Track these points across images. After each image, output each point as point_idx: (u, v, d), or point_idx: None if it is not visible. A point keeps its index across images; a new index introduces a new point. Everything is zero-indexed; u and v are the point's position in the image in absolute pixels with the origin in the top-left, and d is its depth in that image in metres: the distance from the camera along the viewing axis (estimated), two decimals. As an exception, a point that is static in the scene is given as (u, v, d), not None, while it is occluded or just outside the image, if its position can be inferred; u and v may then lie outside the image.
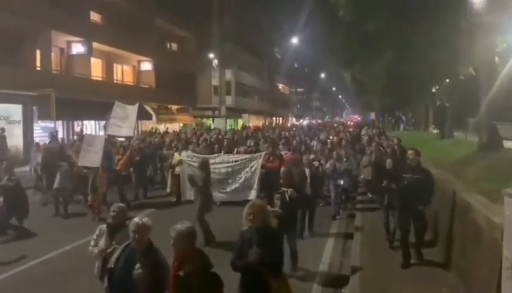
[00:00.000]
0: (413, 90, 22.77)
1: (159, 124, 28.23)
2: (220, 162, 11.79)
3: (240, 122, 46.49)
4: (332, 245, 8.37)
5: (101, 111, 22.62)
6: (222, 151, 12.94)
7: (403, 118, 32.81)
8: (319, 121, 74.77)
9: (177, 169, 12.22)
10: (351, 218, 10.29)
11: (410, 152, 6.86)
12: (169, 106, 32.53)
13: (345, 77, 38.31)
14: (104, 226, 4.71)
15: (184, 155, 12.20)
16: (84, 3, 21.84)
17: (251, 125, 41.44)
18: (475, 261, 5.20)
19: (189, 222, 3.68)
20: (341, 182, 10.49)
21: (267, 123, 47.71)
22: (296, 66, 78.71)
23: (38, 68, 19.39)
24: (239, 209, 9.75)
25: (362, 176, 12.44)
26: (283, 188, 6.63)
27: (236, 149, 13.39)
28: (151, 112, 28.63)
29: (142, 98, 27.65)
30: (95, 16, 23.90)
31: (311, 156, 10.64)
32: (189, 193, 11.05)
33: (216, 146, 14.51)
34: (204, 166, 9.11)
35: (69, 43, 21.78)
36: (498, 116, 9.09)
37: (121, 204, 5.02)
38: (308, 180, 8.84)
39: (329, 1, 16.20)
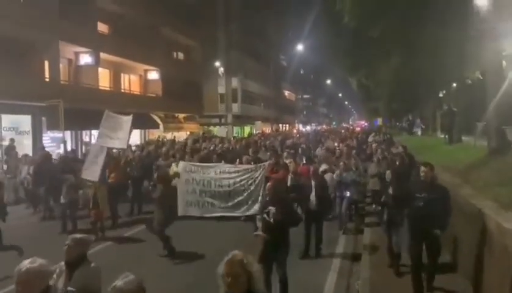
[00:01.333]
0: (420, 95, 22.72)
1: (166, 132, 28.36)
2: (221, 173, 10.86)
3: (246, 129, 46.57)
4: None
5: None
6: (223, 161, 12.35)
7: (419, 122, 31.06)
8: (325, 127, 74.66)
9: (173, 181, 11.15)
10: (360, 233, 9.71)
11: (423, 169, 5.92)
12: (176, 114, 32.70)
13: (351, 82, 38.30)
14: (63, 263, 3.78)
15: (182, 166, 11.21)
16: (92, 15, 22.10)
17: (258, 132, 41.38)
18: (485, 267, 5.14)
19: (132, 275, 2.66)
20: (348, 193, 9.86)
21: (274, 130, 47.70)
22: (301, 72, 78.81)
23: (47, 79, 19.61)
24: (242, 225, 9.82)
25: (369, 187, 11.66)
26: (269, 207, 5.73)
27: (238, 160, 12.69)
28: (158, 120, 28.79)
29: (149, 107, 27.95)
30: (102, 27, 24.16)
31: (323, 167, 10.09)
32: (185, 209, 10.64)
33: (215, 156, 13.82)
34: (163, 179, 8.98)
35: (77, 54, 22.02)
36: (506, 121, 9.02)
37: (78, 236, 3.94)
38: (313, 192, 8.20)
39: (334, 7, 16.26)
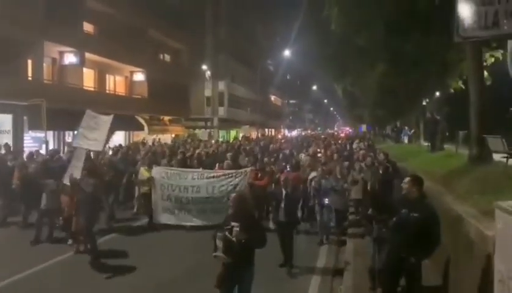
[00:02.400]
0: (404, 103, 23.04)
1: (151, 134, 28.11)
2: (198, 178, 10.21)
3: (232, 133, 46.50)
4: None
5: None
6: (200, 167, 11.71)
7: (407, 130, 30.43)
8: (309, 132, 75.08)
9: (145, 188, 10.59)
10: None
11: (406, 180, 5.20)
12: (161, 117, 32.46)
13: (337, 89, 38.65)
14: None
15: (156, 171, 10.46)
16: (77, 14, 21.81)
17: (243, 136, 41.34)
18: (467, 274, 5.21)
19: None
20: (326, 201, 9.16)
21: (259, 134, 47.74)
22: (288, 78, 79.20)
23: (30, 78, 19.27)
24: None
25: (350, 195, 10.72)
26: (232, 223, 4.83)
27: (217, 165, 12.00)
28: (143, 122, 28.53)
29: (134, 109, 27.69)
30: (88, 27, 23.88)
31: (313, 174, 9.76)
32: (160, 216, 10.13)
33: (195, 161, 13.21)
34: (94, 173, 8.41)
35: (61, 53, 21.70)
36: (487, 129, 9.20)
37: None
38: (283, 203, 7.60)
39: (322, 14, 16.43)
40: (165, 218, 10.15)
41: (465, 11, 4.97)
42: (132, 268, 7.62)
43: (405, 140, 28.89)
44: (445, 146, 16.54)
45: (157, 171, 10.46)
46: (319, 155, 15.03)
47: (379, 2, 12.40)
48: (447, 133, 17.98)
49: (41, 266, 7.64)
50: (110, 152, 15.88)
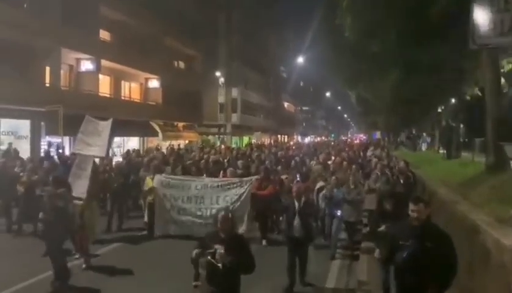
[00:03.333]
0: (419, 110, 22.84)
1: (165, 141, 28.36)
2: (202, 187, 9.78)
3: (245, 140, 46.59)
4: None
5: (107, 127, 22.89)
6: (205, 174, 11.18)
7: (425, 136, 28.95)
8: (321, 139, 74.63)
9: (150, 197, 10.15)
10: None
11: (414, 207, 4.18)
12: (175, 123, 32.73)
13: (350, 96, 38.45)
14: None
15: (158, 180, 10.00)
16: (94, 22, 22.25)
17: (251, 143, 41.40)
18: (483, 284, 5.12)
19: None
20: (339, 212, 8.64)
21: (272, 141, 47.75)
22: (301, 84, 79.20)
23: (47, 84, 19.67)
24: None
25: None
26: (216, 246, 4.15)
27: (222, 172, 11.46)
28: (157, 128, 28.82)
29: (148, 115, 28.01)
30: (104, 34, 24.32)
31: (320, 184, 9.25)
32: (163, 228, 9.71)
33: (194, 168, 12.58)
34: (61, 183, 7.57)
35: (78, 60, 22.13)
36: (504, 137, 9.05)
37: None
38: (297, 217, 6.85)
39: (335, 21, 16.44)
40: (168, 230, 9.73)
41: (481, 18, 4.93)
42: (130, 283, 7.24)
43: (423, 148, 27.69)
44: (462, 153, 16.32)
45: (159, 180, 9.99)
46: (329, 162, 14.24)
47: (392, 9, 12.35)
48: (466, 140, 17.73)
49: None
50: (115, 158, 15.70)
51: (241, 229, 8.97)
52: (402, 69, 15.92)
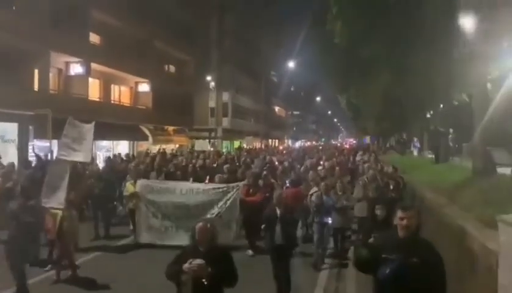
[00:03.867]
0: (408, 115, 23.03)
1: (155, 145, 28.21)
2: (187, 193, 9.37)
3: (236, 144, 46.56)
4: None
5: (97, 131, 22.67)
6: (191, 180, 10.62)
7: (416, 142, 28.13)
8: (311, 143, 74.82)
9: (131, 203, 9.78)
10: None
11: (402, 214, 3.63)
12: (165, 127, 32.61)
13: (340, 101, 38.73)
14: None
15: (141, 185, 9.57)
16: (84, 25, 22.11)
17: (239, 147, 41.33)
18: (470, 288, 5.16)
19: None
20: (329, 220, 8.34)
21: (263, 145, 47.78)
22: (292, 89, 79.52)
23: (36, 88, 19.46)
24: None
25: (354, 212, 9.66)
26: (196, 261, 3.78)
27: (208, 178, 11.01)
28: (148, 132, 28.67)
29: (138, 119, 27.86)
30: (94, 38, 24.17)
31: (313, 190, 8.81)
32: (146, 235, 9.33)
33: (179, 172, 12.25)
34: (29, 191, 6.82)
35: (67, 64, 21.95)
36: (491, 142, 9.18)
37: None
38: (279, 224, 6.56)
39: (325, 26, 16.56)
40: (151, 238, 9.31)
41: (468, 27, 5.01)
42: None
43: (415, 152, 26.92)
44: (452, 158, 16.49)
45: (142, 185, 9.55)
46: (319, 168, 13.73)
47: (382, 15, 12.49)
48: (457, 146, 17.91)
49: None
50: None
51: (229, 236, 8.77)
52: (392, 74, 16.07)
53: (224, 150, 33.71)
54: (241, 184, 9.56)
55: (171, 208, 9.29)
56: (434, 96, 16.19)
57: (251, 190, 9.45)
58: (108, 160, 15.80)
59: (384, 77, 17.41)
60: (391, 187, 9.55)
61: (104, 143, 25.76)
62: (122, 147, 26.13)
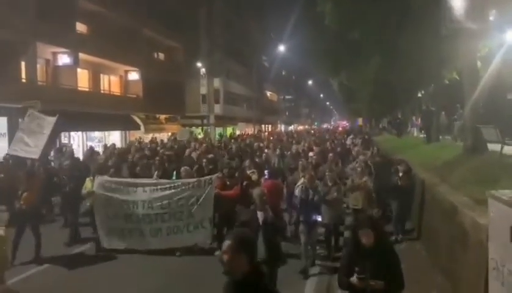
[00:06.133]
0: (400, 95, 23.12)
1: (147, 134, 28.09)
2: (152, 190, 8.23)
3: (229, 130, 46.50)
4: None
5: (88, 122, 22.55)
6: (156, 174, 9.38)
7: (414, 120, 26.31)
8: (304, 127, 74.71)
9: (88, 203, 8.79)
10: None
11: (361, 233, 3.83)
12: (157, 116, 32.41)
13: (332, 84, 38.70)
14: None
15: (98, 183, 8.36)
16: (70, 14, 21.70)
17: (240, 133, 41.25)
18: (462, 263, 5.26)
19: None
20: (318, 217, 7.20)
21: (255, 131, 47.78)
22: (283, 73, 79.19)
23: (24, 80, 19.18)
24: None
25: (345, 203, 8.66)
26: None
27: (174, 172, 9.79)
28: (139, 122, 28.49)
29: (129, 108, 27.63)
30: (81, 27, 23.76)
31: (301, 181, 7.59)
32: (106, 239, 8.20)
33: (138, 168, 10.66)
34: None
35: (55, 54, 21.59)
36: (482, 120, 9.26)
37: None
38: (261, 232, 5.37)
39: (316, 9, 16.44)
40: (113, 242, 8.21)
41: (454, 4, 5.00)
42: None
43: (415, 132, 24.78)
44: (444, 137, 16.60)
45: (99, 183, 8.35)
46: (310, 154, 12.41)
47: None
48: (449, 125, 17.96)
49: None
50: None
51: (205, 237, 8.05)
52: (383, 55, 16.05)
53: (217, 137, 33.57)
54: (214, 176, 8.32)
55: (133, 208, 8.16)
56: (424, 76, 16.25)
57: (228, 183, 8.40)
58: (72, 154, 13.84)
59: (374, 59, 17.40)
60: (400, 174, 8.47)
61: (96, 133, 25.58)
62: (114, 137, 25.97)
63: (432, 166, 9.64)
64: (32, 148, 8.05)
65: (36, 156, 8.55)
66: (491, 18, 4.74)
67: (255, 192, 5.56)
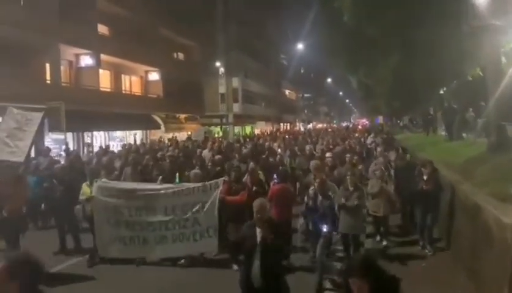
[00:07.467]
0: (420, 92, 22.69)
1: (167, 133, 28.46)
2: (155, 195, 7.66)
3: (248, 129, 46.61)
4: None
5: (110, 122, 23.01)
6: (160, 178, 8.59)
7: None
8: (322, 125, 74.10)
9: (88, 209, 8.18)
10: None
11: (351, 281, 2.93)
12: (177, 115, 32.78)
13: (351, 81, 38.29)
14: None
15: (97, 188, 7.77)
16: (92, 17, 22.17)
17: (259, 132, 41.31)
18: (486, 262, 5.18)
19: None
20: (324, 227, 6.37)
21: (274, 129, 47.74)
22: (302, 71, 78.84)
23: (48, 81, 19.71)
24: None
25: (365, 209, 8.01)
26: None
27: (177, 175, 9.16)
28: (160, 121, 28.90)
29: (150, 108, 28.06)
30: (102, 29, 24.24)
31: (311, 189, 6.74)
32: (106, 247, 7.66)
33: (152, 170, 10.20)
34: None
35: (77, 56, 22.11)
36: (506, 117, 9.05)
37: None
38: (258, 255, 4.37)
39: (333, 5, 16.32)
40: (114, 250, 7.62)
41: (476, 0, 4.92)
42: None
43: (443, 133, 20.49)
44: (467, 135, 16.22)
45: (99, 188, 7.76)
46: (327, 155, 11.27)
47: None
48: (474, 122, 17.45)
49: None
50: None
51: (211, 246, 7.45)
52: (402, 51, 15.81)
53: (234, 136, 33.69)
54: (220, 180, 7.67)
55: (135, 215, 7.59)
56: (446, 72, 15.93)
57: (233, 188, 7.68)
58: (67, 156, 13.30)
59: (394, 54, 17.16)
60: (425, 177, 7.70)
61: (118, 133, 26.09)
62: (135, 136, 26.48)
63: (454, 164, 9.47)
64: (12, 149, 7.24)
65: (20, 159, 7.70)
66: (515, 14, 4.65)
67: (254, 203, 4.59)
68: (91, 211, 7.86)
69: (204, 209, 7.35)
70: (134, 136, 25.81)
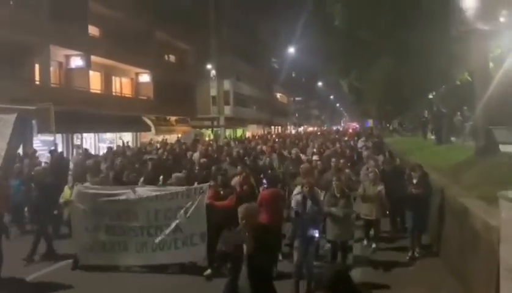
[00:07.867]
0: (410, 97, 22.88)
1: (157, 135, 28.31)
2: (136, 200, 7.31)
3: (239, 132, 46.59)
4: None
5: (100, 123, 22.83)
6: (141, 180, 8.45)
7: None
8: (313, 129, 74.34)
9: (66, 213, 8.03)
10: None
11: None
12: (168, 117, 32.65)
13: (342, 85, 38.51)
14: None
15: (77, 192, 7.60)
16: (83, 17, 22.01)
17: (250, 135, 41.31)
18: (473, 264, 5.24)
19: None
20: (316, 233, 6.00)
21: (265, 132, 47.78)
22: (293, 75, 79.12)
23: (37, 82, 19.50)
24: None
25: (354, 214, 7.69)
26: None
27: (161, 178, 8.83)
28: (150, 123, 28.75)
29: (140, 110, 27.89)
30: (93, 30, 24.06)
31: (297, 190, 6.36)
32: (85, 254, 7.34)
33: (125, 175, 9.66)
34: None
35: (67, 57, 21.91)
36: (493, 121, 9.18)
37: None
38: (246, 262, 4.12)
39: (325, 10, 16.45)
40: (93, 257, 7.32)
41: (464, 5, 4.99)
42: None
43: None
44: (456, 139, 16.41)
45: (78, 193, 7.53)
46: (314, 158, 11.21)
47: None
48: (462, 126, 17.63)
49: None
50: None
51: (196, 255, 7.01)
52: (392, 55, 15.98)
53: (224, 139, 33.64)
54: (206, 185, 7.32)
55: (116, 220, 7.31)
56: (435, 76, 16.12)
57: (221, 192, 7.20)
58: (52, 156, 13.11)
59: (384, 59, 17.33)
60: (415, 180, 7.55)
61: (108, 135, 25.89)
62: (125, 138, 26.27)
63: (442, 167, 9.57)
64: None
65: None
66: (502, 19, 4.73)
67: (239, 209, 4.25)
68: (69, 216, 7.68)
69: (187, 215, 6.99)
70: (121, 139, 25.60)
